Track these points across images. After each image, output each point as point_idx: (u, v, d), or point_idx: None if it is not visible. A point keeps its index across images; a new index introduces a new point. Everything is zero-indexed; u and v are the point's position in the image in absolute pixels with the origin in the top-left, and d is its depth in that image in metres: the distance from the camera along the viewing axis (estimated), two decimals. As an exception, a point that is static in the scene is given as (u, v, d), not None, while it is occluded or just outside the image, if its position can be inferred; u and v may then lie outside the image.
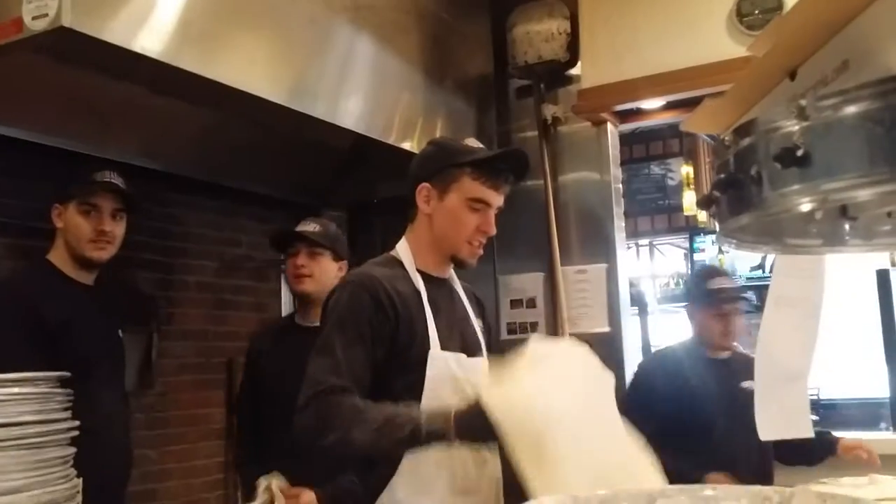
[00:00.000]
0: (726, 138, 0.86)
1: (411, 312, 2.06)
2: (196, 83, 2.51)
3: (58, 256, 2.67)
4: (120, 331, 2.85)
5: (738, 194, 0.82)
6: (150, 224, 3.74)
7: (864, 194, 0.74)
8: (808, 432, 1.37)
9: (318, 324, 2.96)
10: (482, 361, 2.18)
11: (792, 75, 0.90)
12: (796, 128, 0.75)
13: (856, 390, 5.82)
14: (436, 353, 2.05)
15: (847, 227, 1.09)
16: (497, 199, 2.14)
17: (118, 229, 2.70)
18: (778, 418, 1.29)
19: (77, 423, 1.77)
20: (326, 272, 3.03)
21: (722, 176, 0.85)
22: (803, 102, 0.75)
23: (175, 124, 3.10)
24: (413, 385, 2.01)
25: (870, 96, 0.70)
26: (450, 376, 2.05)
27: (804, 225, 1.08)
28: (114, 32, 2.25)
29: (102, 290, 2.76)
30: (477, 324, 2.27)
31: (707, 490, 1.12)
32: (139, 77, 2.58)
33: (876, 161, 0.71)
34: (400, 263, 2.17)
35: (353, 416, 1.87)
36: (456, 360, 2.09)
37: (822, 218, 1.02)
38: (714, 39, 3.34)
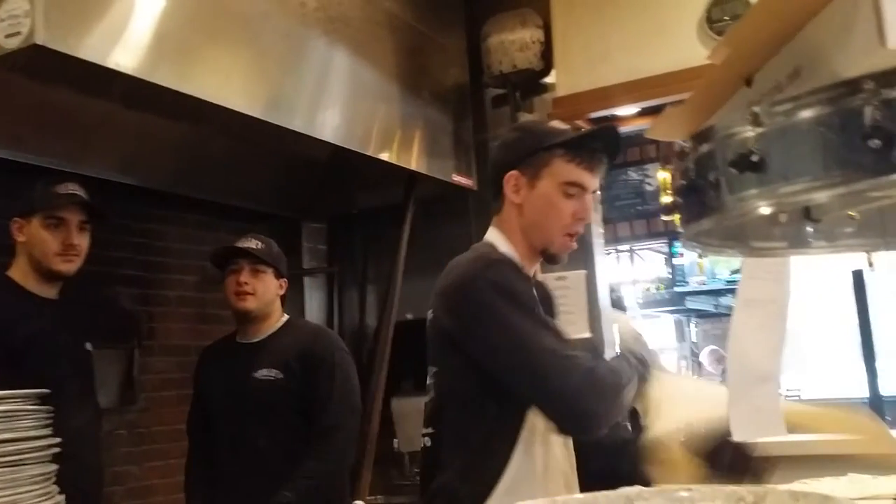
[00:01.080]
0: (686, 145, 0.88)
1: None
2: (172, 98, 2.52)
3: (19, 272, 2.62)
4: (88, 344, 2.79)
5: (699, 199, 0.84)
6: (129, 239, 3.75)
7: (819, 197, 0.76)
8: (781, 432, 1.39)
9: (256, 340, 3.01)
10: None
11: (749, 82, 0.92)
12: (751, 134, 0.77)
13: (836, 391, 5.88)
14: None
15: (810, 229, 1.11)
16: (593, 182, 1.96)
17: (84, 241, 2.67)
18: (751, 420, 1.31)
19: (58, 440, 1.77)
20: (269, 290, 3.00)
21: (683, 182, 0.87)
22: (757, 109, 0.77)
23: (152, 139, 3.10)
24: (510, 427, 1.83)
25: (819, 101, 0.72)
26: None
27: (768, 228, 1.10)
28: (88, 49, 2.25)
29: (67, 304, 2.72)
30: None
31: (682, 491, 1.14)
32: (115, 93, 2.59)
33: (829, 164, 0.72)
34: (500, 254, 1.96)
35: (614, 377, 1.78)
36: None
37: (786, 221, 1.04)
38: (686, 46, 3.37)
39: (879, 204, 1.03)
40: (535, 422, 1.80)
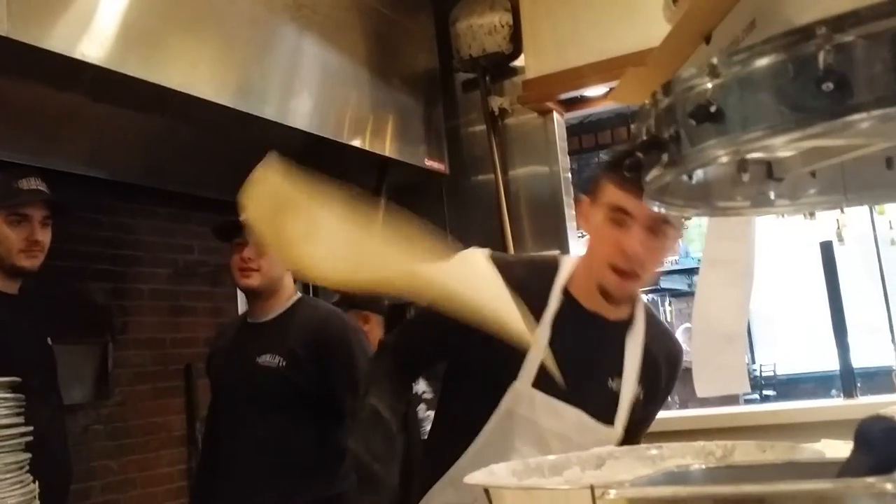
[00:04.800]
0: (647, 102, 0.89)
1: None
2: (140, 88, 2.50)
3: None
4: (50, 339, 2.73)
5: (661, 154, 0.85)
6: (100, 234, 3.72)
7: (776, 143, 0.77)
8: (744, 388, 1.41)
9: (264, 320, 2.84)
10: (606, 431, 1.74)
11: (707, 39, 0.94)
12: (709, 85, 0.78)
13: (810, 364, 5.94)
14: (520, 387, 1.69)
15: (773, 189, 1.13)
16: (640, 208, 1.61)
17: (47, 237, 2.63)
18: (715, 376, 1.33)
19: (31, 427, 1.76)
20: (275, 266, 2.81)
21: (645, 137, 0.88)
22: (714, 61, 0.78)
23: (121, 132, 3.08)
24: (478, 416, 1.72)
25: (774, 49, 0.73)
26: (531, 421, 1.68)
27: (732, 187, 1.11)
28: (54, 40, 2.23)
29: (28, 299, 2.68)
30: (629, 389, 1.77)
31: (652, 449, 1.16)
32: (82, 85, 2.56)
33: (784, 110, 0.74)
34: (553, 273, 1.78)
35: (375, 390, 1.74)
36: (549, 406, 1.69)
37: (749, 180, 1.05)
38: (652, 24, 3.36)
39: (840, 159, 1.04)
40: (489, 444, 1.72)
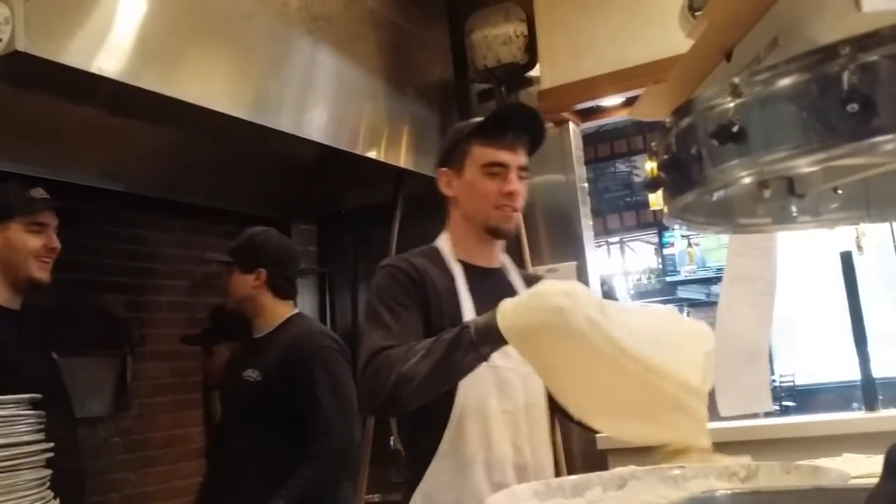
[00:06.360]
0: (668, 120, 0.88)
1: (442, 301, 1.97)
2: (156, 102, 2.50)
3: None
4: (55, 354, 2.68)
5: (682, 174, 0.85)
6: (118, 246, 3.74)
7: (800, 164, 0.76)
8: (767, 407, 1.39)
9: (257, 337, 2.92)
10: None
11: (728, 56, 0.93)
12: (731, 105, 0.77)
13: (830, 375, 5.89)
14: None
15: (794, 205, 1.11)
16: (512, 158, 2.04)
17: (59, 245, 2.65)
18: (739, 395, 1.31)
19: (51, 444, 1.76)
20: (235, 286, 2.93)
21: (665, 157, 0.87)
22: (736, 80, 0.77)
23: (137, 145, 3.09)
24: None
25: (797, 69, 0.73)
26: (489, 366, 1.84)
27: (753, 204, 1.10)
28: (70, 55, 2.24)
29: (29, 313, 2.64)
30: None
31: (675, 469, 1.15)
32: (99, 99, 2.58)
33: (808, 131, 0.73)
34: (438, 254, 2.09)
35: (400, 356, 1.77)
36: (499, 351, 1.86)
37: (770, 197, 1.04)
38: (668, 34, 3.34)
39: (863, 175, 1.03)
40: (467, 400, 1.89)
